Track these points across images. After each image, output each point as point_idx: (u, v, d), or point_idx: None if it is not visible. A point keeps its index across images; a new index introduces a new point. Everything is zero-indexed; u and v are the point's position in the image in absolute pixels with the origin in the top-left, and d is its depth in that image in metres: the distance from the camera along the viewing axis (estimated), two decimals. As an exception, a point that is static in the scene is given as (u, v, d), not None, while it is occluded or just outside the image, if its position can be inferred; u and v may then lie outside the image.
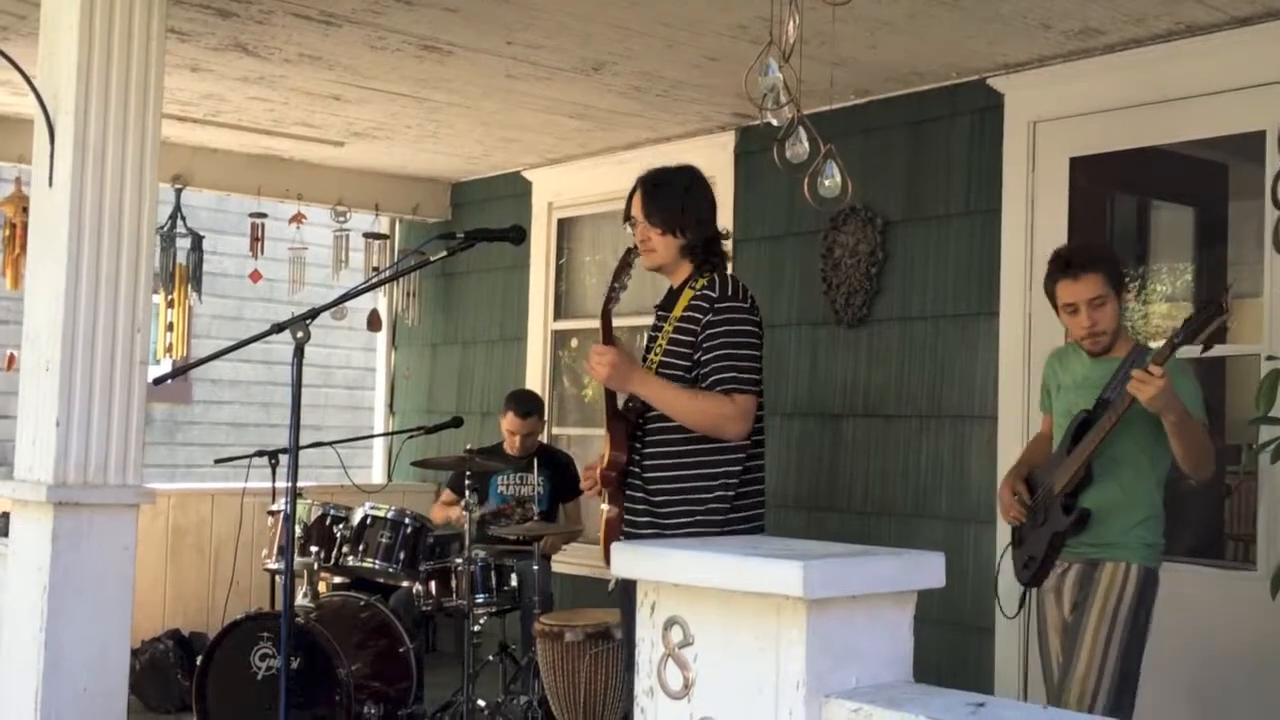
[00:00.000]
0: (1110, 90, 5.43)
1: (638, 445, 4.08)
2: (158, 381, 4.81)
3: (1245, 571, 5.18)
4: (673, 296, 4.13)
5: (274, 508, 6.25)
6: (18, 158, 7.05)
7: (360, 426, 10.64)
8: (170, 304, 7.77)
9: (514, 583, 6.12)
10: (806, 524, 6.30)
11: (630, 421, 4.11)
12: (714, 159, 6.82)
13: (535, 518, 6.55)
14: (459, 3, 5.13)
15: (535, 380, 8.08)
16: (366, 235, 8.79)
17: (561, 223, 8.21)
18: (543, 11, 5.19)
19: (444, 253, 4.08)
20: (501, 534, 6.32)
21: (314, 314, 3.72)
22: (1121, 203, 6.35)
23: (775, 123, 3.77)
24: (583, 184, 7.84)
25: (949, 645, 5.69)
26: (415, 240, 9.04)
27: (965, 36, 5.30)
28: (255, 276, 8.38)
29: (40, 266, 4.44)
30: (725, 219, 5.76)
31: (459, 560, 5.96)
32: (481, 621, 6.00)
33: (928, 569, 2.32)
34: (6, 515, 4.63)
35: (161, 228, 7.55)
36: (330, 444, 6.34)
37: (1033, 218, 5.67)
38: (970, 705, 2.10)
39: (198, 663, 5.69)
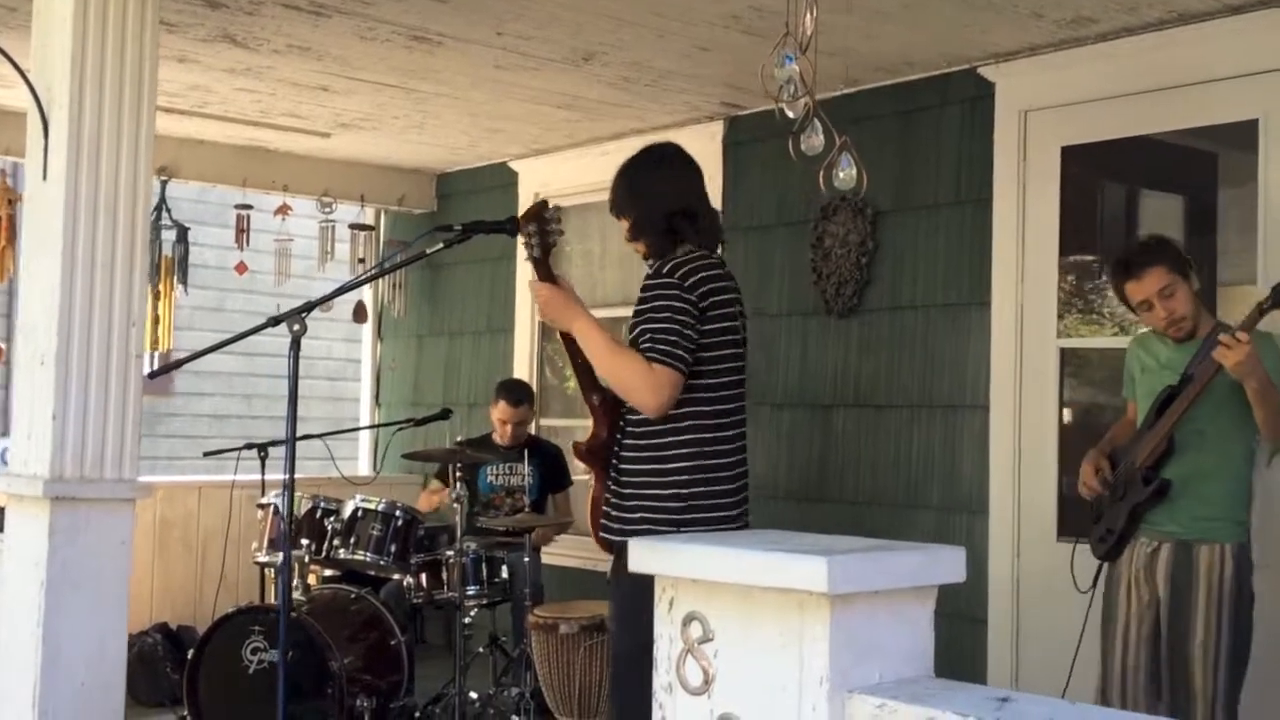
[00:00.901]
0: (1102, 79, 5.43)
1: (621, 426, 3.95)
2: (153, 375, 4.78)
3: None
4: None
5: (263, 500, 6.22)
6: (4, 150, 7.00)
7: (342, 418, 10.58)
8: (156, 296, 7.70)
9: (505, 575, 6.11)
10: (797, 515, 6.28)
11: (610, 401, 4.00)
12: (703, 149, 6.74)
13: (526, 508, 6.54)
14: (451, -7, 5.12)
15: (523, 372, 8.05)
16: (352, 226, 8.75)
17: (548, 213, 8.16)
18: (534, 1, 5.17)
19: (440, 245, 4.03)
20: (491, 525, 6.30)
21: (310, 307, 3.67)
22: (1112, 191, 6.36)
23: (791, 114, 3.76)
24: (569, 174, 7.82)
25: (941, 636, 5.67)
26: (401, 231, 9.01)
27: (959, 25, 5.29)
28: (241, 268, 8.35)
29: (35, 260, 4.40)
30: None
31: (450, 552, 5.94)
32: (472, 614, 6.00)
33: (949, 564, 2.32)
34: (2, 510, 4.59)
35: (147, 220, 7.49)
36: (322, 436, 6.33)
37: (1024, 207, 5.67)
38: (995, 700, 2.10)
39: (189, 656, 5.66)
